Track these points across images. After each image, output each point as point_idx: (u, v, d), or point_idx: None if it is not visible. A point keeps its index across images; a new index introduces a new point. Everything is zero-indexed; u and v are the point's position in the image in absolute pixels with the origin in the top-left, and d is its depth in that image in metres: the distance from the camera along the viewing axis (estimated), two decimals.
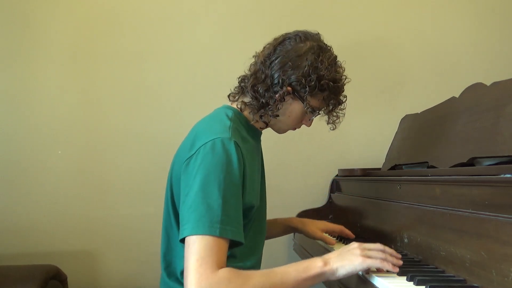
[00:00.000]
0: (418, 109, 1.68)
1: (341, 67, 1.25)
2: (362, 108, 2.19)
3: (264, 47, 1.26)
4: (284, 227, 1.58)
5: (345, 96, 1.30)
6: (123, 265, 2.05)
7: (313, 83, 1.17)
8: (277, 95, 1.18)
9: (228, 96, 1.30)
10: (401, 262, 1.06)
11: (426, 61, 2.23)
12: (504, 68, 2.19)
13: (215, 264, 0.98)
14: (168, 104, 2.11)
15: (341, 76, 1.24)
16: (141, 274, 2.03)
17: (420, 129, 1.57)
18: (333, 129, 1.32)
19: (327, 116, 1.30)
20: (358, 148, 2.18)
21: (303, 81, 1.16)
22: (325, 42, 1.26)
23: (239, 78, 1.28)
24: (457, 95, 1.38)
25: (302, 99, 1.19)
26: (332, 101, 1.24)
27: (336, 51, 1.28)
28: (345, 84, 1.27)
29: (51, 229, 2.02)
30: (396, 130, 1.80)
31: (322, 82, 1.17)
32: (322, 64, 1.18)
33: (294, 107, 1.22)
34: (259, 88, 1.19)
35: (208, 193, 1.03)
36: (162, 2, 2.13)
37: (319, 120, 1.35)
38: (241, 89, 1.26)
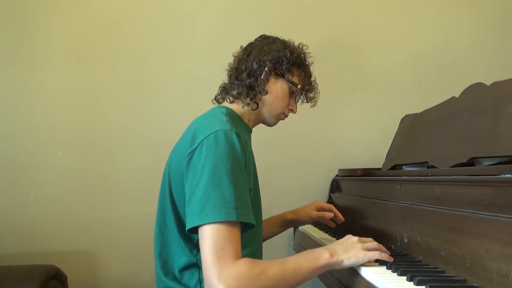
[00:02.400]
0: (418, 109, 1.68)
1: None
2: (362, 108, 2.19)
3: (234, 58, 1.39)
4: (279, 223, 1.61)
5: (315, 76, 1.43)
6: (123, 265, 2.05)
7: (288, 56, 1.32)
8: (262, 76, 1.30)
9: (216, 99, 1.38)
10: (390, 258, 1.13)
11: (426, 61, 2.23)
12: (504, 68, 2.19)
13: (233, 255, 1.01)
14: (168, 104, 2.11)
15: (306, 53, 1.40)
16: (141, 274, 2.03)
17: (420, 129, 1.57)
18: (313, 106, 1.45)
19: (306, 98, 1.43)
20: (358, 148, 2.18)
21: (280, 57, 1.31)
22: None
23: (220, 86, 1.38)
24: (457, 95, 1.38)
25: (283, 75, 1.32)
26: (307, 75, 1.38)
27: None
28: (311, 64, 1.41)
29: (51, 229, 2.02)
30: (396, 130, 1.80)
31: (294, 55, 1.33)
32: (289, 44, 1.37)
33: (278, 85, 1.33)
34: (243, 75, 1.31)
35: (219, 182, 1.06)
36: (161, 2, 2.14)
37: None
38: (224, 90, 1.36)
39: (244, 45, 1.39)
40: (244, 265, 1.00)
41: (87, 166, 2.06)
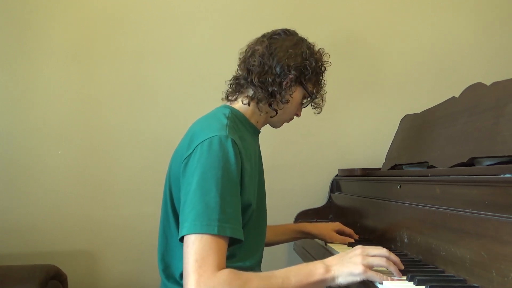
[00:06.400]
0: (418, 109, 1.68)
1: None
2: (362, 108, 2.19)
3: (249, 46, 1.30)
4: (295, 233, 1.58)
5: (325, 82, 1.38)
6: (123, 265, 2.05)
7: (313, 65, 1.27)
8: (284, 82, 1.24)
9: (226, 96, 1.31)
10: (402, 267, 1.04)
11: (426, 61, 2.23)
12: (504, 68, 2.19)
13: (215, 265, 0.97)
14: (168, 104, 2.11)
15: (326, 61, 1.35)
16: (141, 274, 2.03)
17: (420, 129, 1.57)
18: (319, 113, 1.40)
19: (312, 103, 1.37)
20: (358, 148, 2.17)
21: (305, 66, 1.26)
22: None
23: (230, 80, 1.31)
24: (457, 95, 1.38)
25: (303, 84, 1.28)
26: (321, 83, 1.34)
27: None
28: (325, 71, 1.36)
29: (51, 229, 2.02)
30: (396, 130, 1.80)
31: (318, 64, 1.29)
32: (313, 50, 1.30)
33: (296, 93, 1.29)
34: (267, 78, 1.23)
35: (205, 191, 1.03)
36: (161, 2, 2.13)
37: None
38: (238, 87, 1.28)
39: (261, 35, 1.30)
40: (224, 276, 0.96)
41: (87, 166, 2.06)
